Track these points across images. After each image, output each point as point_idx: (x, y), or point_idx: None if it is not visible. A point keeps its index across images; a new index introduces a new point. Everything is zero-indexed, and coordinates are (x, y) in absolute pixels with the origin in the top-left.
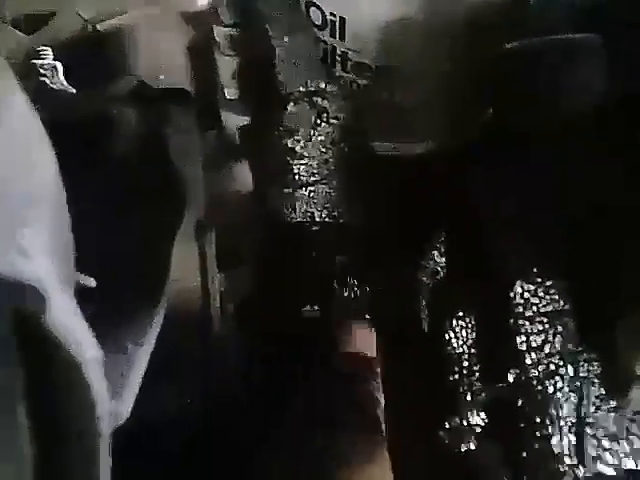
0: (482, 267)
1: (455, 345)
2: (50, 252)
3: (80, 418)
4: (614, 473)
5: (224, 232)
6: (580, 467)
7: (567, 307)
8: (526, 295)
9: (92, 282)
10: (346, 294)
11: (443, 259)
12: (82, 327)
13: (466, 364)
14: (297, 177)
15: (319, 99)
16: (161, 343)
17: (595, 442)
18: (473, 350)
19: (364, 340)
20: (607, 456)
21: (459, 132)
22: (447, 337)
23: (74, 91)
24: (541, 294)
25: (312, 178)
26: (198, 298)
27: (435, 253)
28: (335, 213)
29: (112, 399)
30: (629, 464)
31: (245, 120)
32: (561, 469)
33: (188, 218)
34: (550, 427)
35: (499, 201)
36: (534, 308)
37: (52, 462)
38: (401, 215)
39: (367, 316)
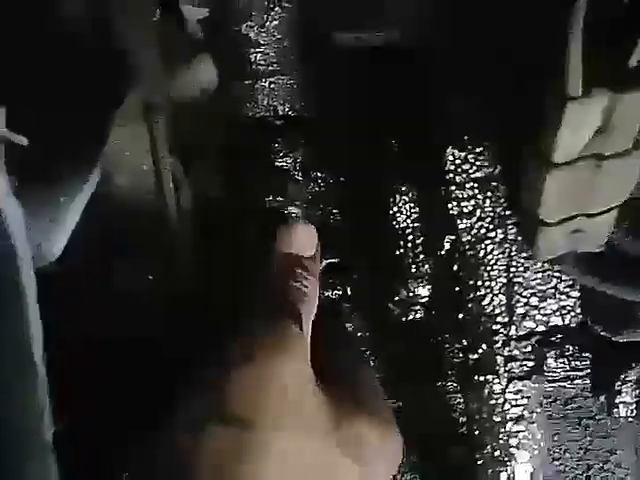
0: (422, 145)
1: (400, 220)
2: None
3: None
4: (543, 329)
5: (184, 124)
6: (511, 325)
7: (496, 172)
8: (457, 162)
9: (23, 140)
10: (309, 187)
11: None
12: None
13: (410, 237)
14: (255, 66)
15: None
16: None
17: (524, 301)
18: (416, 224)
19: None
20: (536, 314)
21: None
22: (392, 212)
23: None
24: (471, 160)
25: (270, 68)
26: (152, 183)
27: (393, 142)
28: (297, 107)
29: (42, 240)
30: (556, 321)
31: (205, 12)
32: (493, 328)
33: (136, 98)
34: (482, 289)
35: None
36: (464, 174)
37: None
38: (359, 108)
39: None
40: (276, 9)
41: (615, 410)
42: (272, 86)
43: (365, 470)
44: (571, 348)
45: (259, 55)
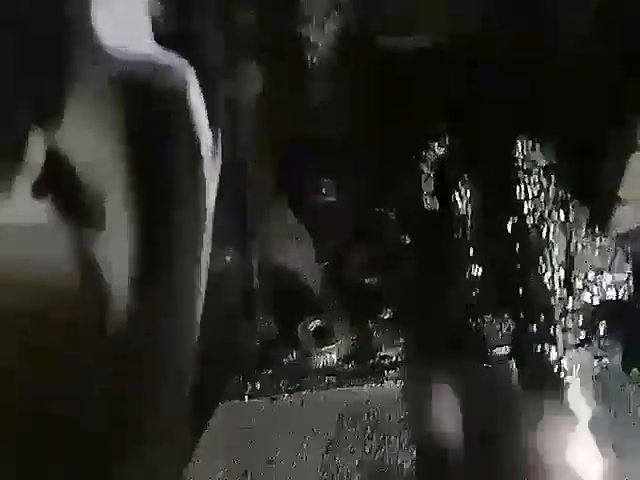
0: (484, 136)
1: (460, 206)
2: None
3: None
4: (598, 303)
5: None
6: (569, 299)
7: (561, 161)
8: (526, 150)
9: None
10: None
11: (442, 149)
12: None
13: (469, 223)
14: (310, 67)
15: None
16: None
17: (582, 276)
18: (476, 210)
19: None
20: (593, 288)
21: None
22: (453, 200)
23: None
24: (539, 149)
25: (325, 70)
26: None
27: (435, 144)
28: (342, 108)
29: None
30: (611, 294)
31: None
32: (552, 302)
33: None
34: (543, 266)
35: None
36: (532, 162)
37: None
38: (405, 108)
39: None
40: (335, 13)
41: None
42: (323, 87)
43: None
44: (620, 320)
45: (315, 57)
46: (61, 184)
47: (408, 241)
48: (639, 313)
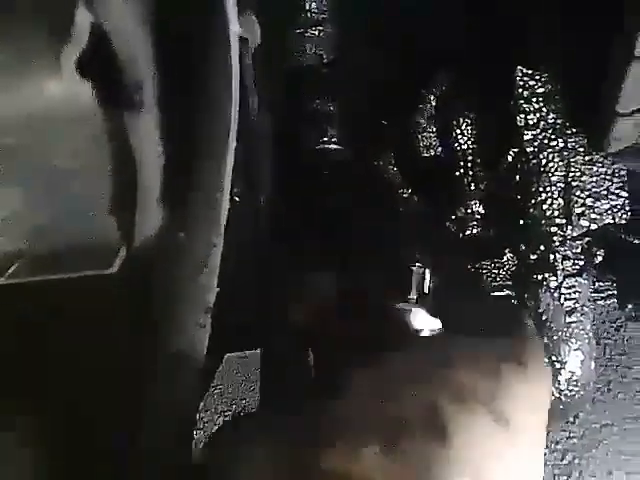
0: (482, 71)
1: (461, 141)
2: None
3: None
4: (595, 227)
5: None
6: (568, 226)
7: (559, 87)
8: (525, 78)
9: None
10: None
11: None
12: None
13: (470, 157)
14: (309, 14)
15: None
16: None
17: (580, 201)
18: (476, 145)
19: None
20: (590, 213)
21: None
22: (454, 135)
23: None
24: (537, 77)
25: (322, 16)
26: None
27: (431, 97)
28: (342, 55)
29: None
30: (607, 219)
31: None
32: (552, 230)
33: None
34: (543, 194)
35: None
36: (531, 89)
37: None
38: (403, 59)
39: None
40: None
41: None
42: (321, 34)
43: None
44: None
45: (314, 3)
46: (103, 62)
47: (408, 193)
48: (636, 240)
